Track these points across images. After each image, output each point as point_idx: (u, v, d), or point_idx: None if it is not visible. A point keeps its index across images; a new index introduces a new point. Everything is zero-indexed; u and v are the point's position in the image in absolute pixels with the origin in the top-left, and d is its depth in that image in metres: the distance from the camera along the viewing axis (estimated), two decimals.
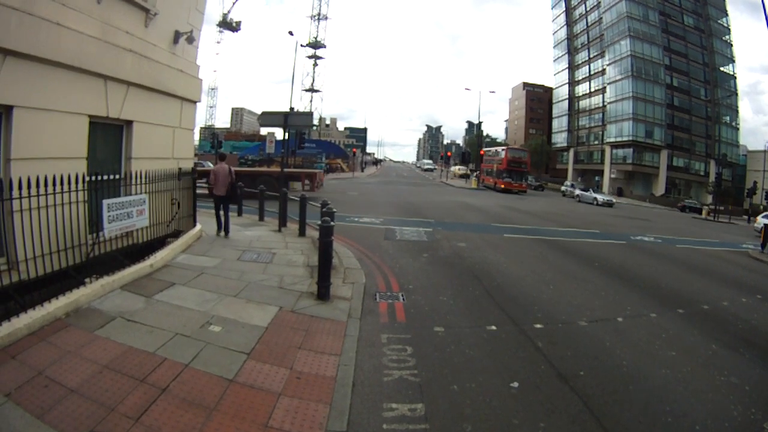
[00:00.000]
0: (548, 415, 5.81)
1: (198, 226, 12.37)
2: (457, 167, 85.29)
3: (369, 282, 10.33)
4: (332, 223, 9.07)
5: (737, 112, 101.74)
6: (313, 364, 6.04)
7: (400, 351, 7.03)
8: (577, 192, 63.32)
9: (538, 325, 8.87)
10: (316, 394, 5.36)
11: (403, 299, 9.55)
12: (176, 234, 11.14)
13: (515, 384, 6.41)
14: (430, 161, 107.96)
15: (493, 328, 8.44)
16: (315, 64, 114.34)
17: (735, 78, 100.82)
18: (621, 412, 6.15)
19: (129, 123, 9.83)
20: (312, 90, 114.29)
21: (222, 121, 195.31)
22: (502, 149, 67.48)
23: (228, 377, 5.35)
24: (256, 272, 9.73)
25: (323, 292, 8.58)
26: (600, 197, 58.25)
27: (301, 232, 14.33)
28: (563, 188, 75.76)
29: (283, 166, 24.17)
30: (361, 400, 5.51)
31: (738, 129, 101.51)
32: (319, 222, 9.17)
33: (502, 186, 59.57)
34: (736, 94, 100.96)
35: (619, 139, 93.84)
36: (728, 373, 7.91)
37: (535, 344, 8.00)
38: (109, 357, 5.47)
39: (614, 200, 60.98)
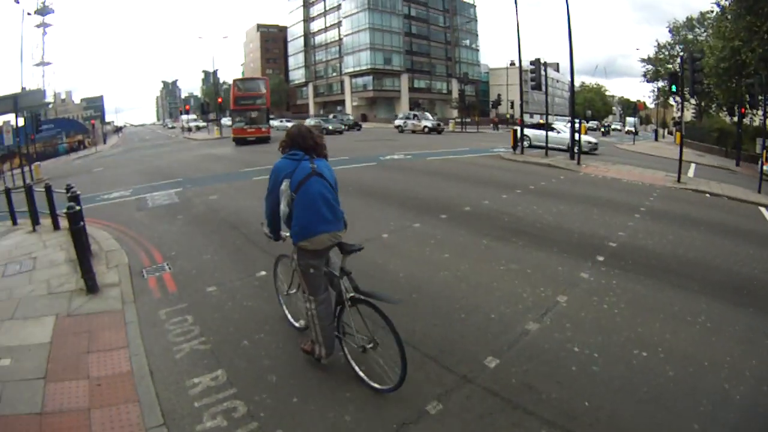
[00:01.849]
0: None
1: None
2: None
3: (133, 260, 9.93)
4: (78, 207, 8.69)
5: (477, 35, 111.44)
6: (107, 365, 5.78)
7: (182, 323, 6.93)
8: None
9: None
10: (122, 396, 5.13)
11: (170, 268, 9.34)
12: None
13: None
14: (194, 117, 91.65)
15: (263, 273, 8.64)
16: (44, 33, 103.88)
17: (474, 6, 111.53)
18: (413, 321, 6.57)
19: None
20: (43, 63, 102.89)
21: None
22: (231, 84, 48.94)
23: (36, 411, 5.03)
24: (23, 285, 8.92)
25: (91, 285, 8.17)
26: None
27: (56, 226, 13.35)
28: (396, 122, 60.99)
29: (21, 157, 22.32)
30: (165, 386, 5.32)
31: (478, 51, 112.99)
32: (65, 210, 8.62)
33: (233, 135, 43.02)
34: (476, 20, 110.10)
35: (357, 68, 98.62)
36: (506, 261, 8.84)
37: None
38: None
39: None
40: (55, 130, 68.81)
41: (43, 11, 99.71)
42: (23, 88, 33.39)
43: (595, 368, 5.68)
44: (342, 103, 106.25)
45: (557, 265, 9.02)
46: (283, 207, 5.08)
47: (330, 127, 54.79)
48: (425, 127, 55.19)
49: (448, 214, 12.40)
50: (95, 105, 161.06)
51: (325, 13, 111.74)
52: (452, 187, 16.59)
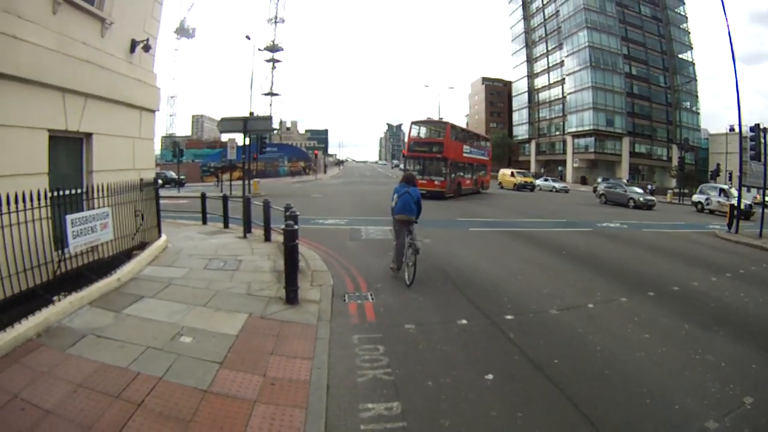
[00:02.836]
0: (525, 405, 5.83)
1: (163, 237, 12.16)
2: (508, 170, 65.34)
3: (337, 283, 10.31)
4: (296, 227, 9.08)
5: (697, 97, 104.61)
6: (287, 369, 6.01)
7: (372, 351, 7.02)
8: None
9: (509, 316, 8.97)
10: (291, 399, 5.33)
11: (372, 299, 9.59)
12: (142, 246, 10.89)
13: (490, 376, 6.43)
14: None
15: (464, 322, 8.50)
16: (273, 68, 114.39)
17: (693, 64, 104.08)
18: (599, 397, 6.21)
19: (89, 135, 9.52)
20: (271, 94, 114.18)
21: (183, 129, 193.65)
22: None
23: (202, 388, 5.29)
24: (223, 280, 9.61)
25: (291, 297, 8.55)
26: None
27: (267, 238, 14.20)
28: (697, 197, 43.05)
29: (245, 172, 23.97)
30: (337, 403, 5.47)
31: (698, 114, 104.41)
32: (283, 226, 9.16)
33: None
34: (696, 80, 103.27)
35: (580, 128, 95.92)
36: (703, 351, 8.07)
37: (507, 335, 8.06)
38: (83, 375, 5.35)
39: None
40: (278, 153, 75.18)
41: (272, 48, 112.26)
42: (251, 113, 35.88)
43: None
44: (563, 163, 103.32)
45: (752, 361, 7.90)
46: (393, 204, 11.33)
47: (640, 200, 40.50)
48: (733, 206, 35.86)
49: (655, 292, 11.45)
50: (319, 137, 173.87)
51: (548, 70, 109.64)
52: (664, 263, 15.33)
